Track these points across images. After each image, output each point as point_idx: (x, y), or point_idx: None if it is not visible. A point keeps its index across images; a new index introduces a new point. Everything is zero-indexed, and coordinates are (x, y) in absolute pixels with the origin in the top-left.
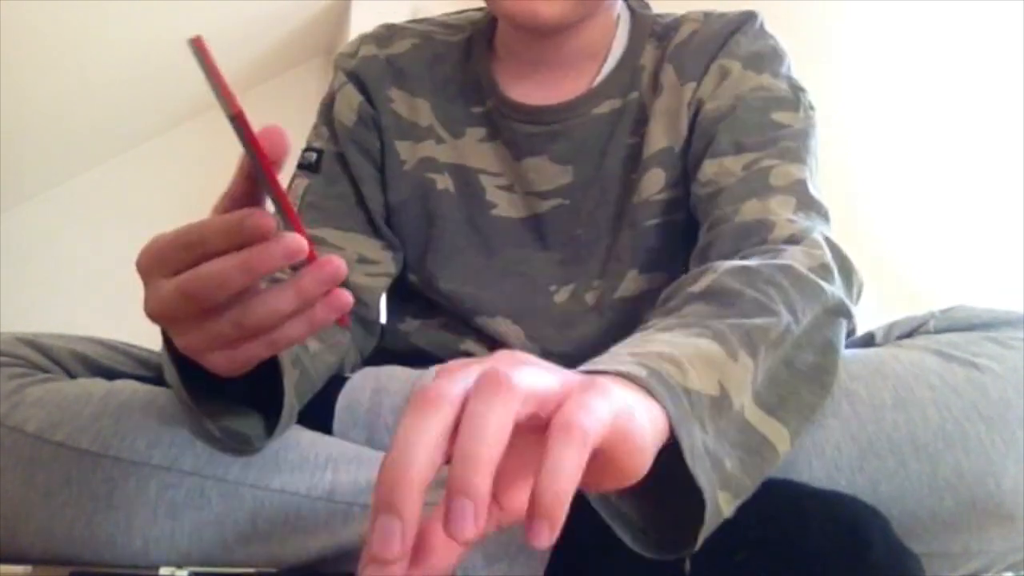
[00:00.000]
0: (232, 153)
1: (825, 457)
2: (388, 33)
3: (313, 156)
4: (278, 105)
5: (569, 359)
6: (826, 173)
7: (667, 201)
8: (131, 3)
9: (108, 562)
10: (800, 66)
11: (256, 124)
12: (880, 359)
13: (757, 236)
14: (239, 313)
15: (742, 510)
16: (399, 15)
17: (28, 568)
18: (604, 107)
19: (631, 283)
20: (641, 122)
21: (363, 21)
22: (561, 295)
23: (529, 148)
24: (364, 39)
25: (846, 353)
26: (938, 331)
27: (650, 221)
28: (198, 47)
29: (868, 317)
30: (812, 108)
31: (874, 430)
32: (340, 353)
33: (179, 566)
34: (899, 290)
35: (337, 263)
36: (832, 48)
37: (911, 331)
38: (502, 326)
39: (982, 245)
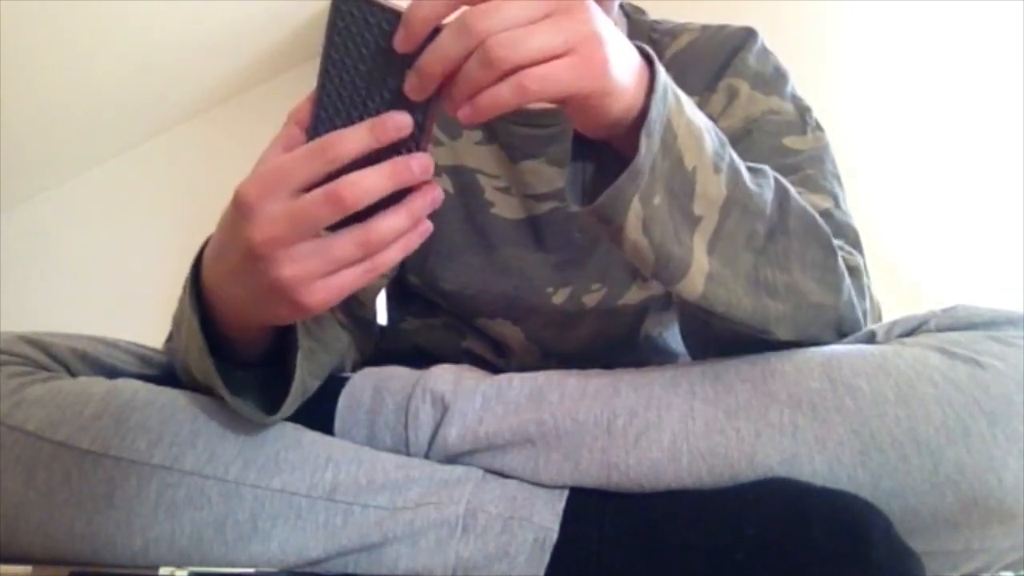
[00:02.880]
0: (230, 153)
1: (827, 451)
2: None
3: None
4: (278, 105)
5: (570, 360)
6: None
7: None
8: (132, 3)
9: (108, 561)
10: (803, 67)
11: (257, 122)
12: (883, 355)
13: None
14: (362, 232)
15: (743, 509)
16: None
17: (28, 568)
18: None
19: (635, 293)
20: None
21: None
22: (559, 296)
23: (526, 151)
24: None
25: (847, 350)
26: (939, 330)
27: None
28: None
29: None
30: (820, 128)
31: (876, 425)
32: (337, 352)
33: (179, 566)
34: (900, 290)
35: (439, 189)
36: (834, 49)
37: (912, 330)
38: (502, 327)
39: (983, 245)
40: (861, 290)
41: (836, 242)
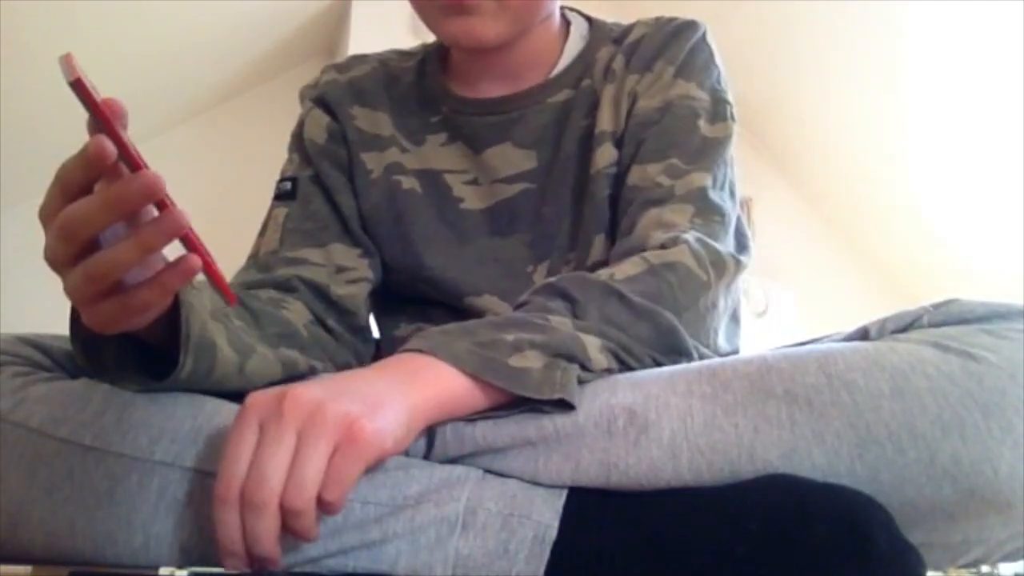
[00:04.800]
0: (230, 153)
1: (826, 445)
2: (348, 62)
3: (288, 185)
4: (278, 105)
5: None
6: (828, 172)
7: (617, 175)
8: (131, 4)
9: (109, 557)
10: (805, 66)
11: (257, 122)
12: (877, 351)
13: (639, 248)
14: (89, 263)
15: (745, 505)
16: (399, 15)
17: (28, 569)
18: (560, 95)
19: (599, 248)
20: (593, 106)
21: (363, 21)
22: (539, 274)
23: (491, 138)
24: (326, 69)
25: (842, 346)
26: (932, 325)
27: (606, 191)
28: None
29: (863, 313)
30: (733, 120)
31: (872, 419)
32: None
33: (179, 566)
34: (895, 289)
35: (177, 215)
36: (839, 49)
37: (906, 326)
38: (489, 302)
39: (980, 243)
40: (680, 279)
41: (712, 223)
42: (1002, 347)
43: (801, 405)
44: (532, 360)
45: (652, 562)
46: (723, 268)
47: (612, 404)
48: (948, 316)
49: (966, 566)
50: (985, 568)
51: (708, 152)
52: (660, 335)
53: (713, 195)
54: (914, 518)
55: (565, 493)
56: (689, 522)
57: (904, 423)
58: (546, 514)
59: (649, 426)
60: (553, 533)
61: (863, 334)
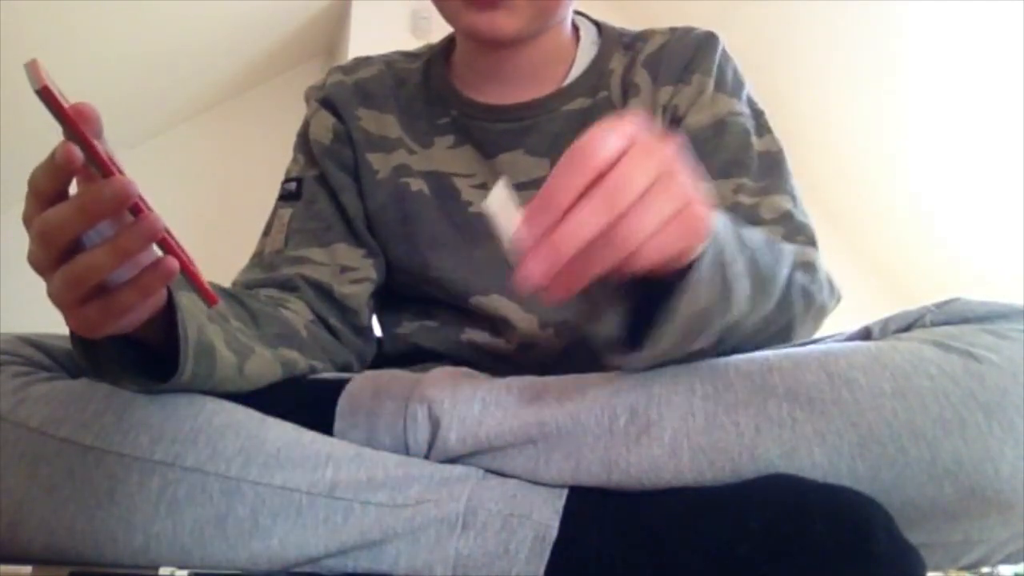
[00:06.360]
0: (230, 153)
1: (826, 444)
2: (354, 63)
3: (293, 186)
4: (278, 105)
5: (568, 325)
6: (828, 172)
7: None
8: (132, 4)
9: (109, 557)
10: (805, 66)
11: (257, 122)
12: (878, 350)
13: None
14: (67, 268)
15: (746, 505)
16: (399, 15)
17: (28, 569)
18: (575, 104)
19: None
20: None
21: (363, 21)
22: None
23: (502, 144)
24: (332, 71)
25: (843, 346)
26: (934, 324)
27: None
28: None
29: (863, 313)
30: (773, 131)
31: (873, 417)
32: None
33: (180, 563)
34: (895, 289)
35: (152, 219)
36: (839, 49)
37: (908, 325)
38: (497, 302)
39: (980, 243)
40: (819, 284)
41: (797, 243)
42: (1004, 347)
43: (802, 404)
44: (740, 267)
45: (653, 562)
46: (822, 313)
47: (614, 403)
48: (950, 315)
49: (967, 567)
50: (985, 569)
51: (775, 169)
52: (805, 314)
53: (798, 214)
54: (915, 518)
55: (566, 493)
56: (690, 521)
57: (905, 422)
58: (546, 514)
59: (650, 425)
60: (553, 533)
61: (865, 334)
